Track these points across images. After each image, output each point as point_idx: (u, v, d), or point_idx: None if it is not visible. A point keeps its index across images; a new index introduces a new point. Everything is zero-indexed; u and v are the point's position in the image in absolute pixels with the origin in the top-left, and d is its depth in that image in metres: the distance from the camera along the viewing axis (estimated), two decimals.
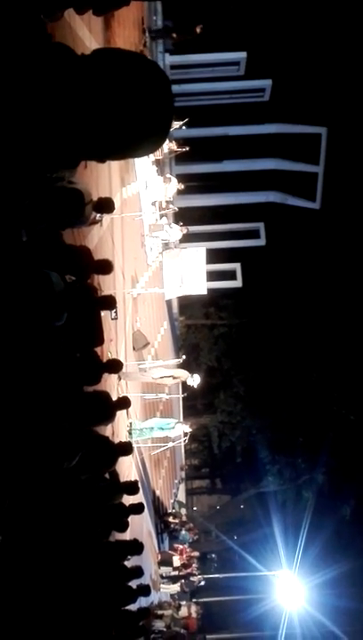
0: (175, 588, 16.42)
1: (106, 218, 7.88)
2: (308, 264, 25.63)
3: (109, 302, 4.68)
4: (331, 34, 22.64)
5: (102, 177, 8.49)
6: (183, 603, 17.52)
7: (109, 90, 1.93)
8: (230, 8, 22.38)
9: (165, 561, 15.55)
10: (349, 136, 23.19)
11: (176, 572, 15.73)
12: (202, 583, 17.65)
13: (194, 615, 18.18)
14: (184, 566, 15.88)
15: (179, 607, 16.65)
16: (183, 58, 21.71)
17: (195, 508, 34.57)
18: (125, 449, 5.23)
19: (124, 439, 9.74)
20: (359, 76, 23.20)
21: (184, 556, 16.15)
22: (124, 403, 5.27)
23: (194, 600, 19.05)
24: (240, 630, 27.01)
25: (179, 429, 11.04)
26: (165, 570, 15.63)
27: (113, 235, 9.70)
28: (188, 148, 15.54)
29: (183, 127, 17.03)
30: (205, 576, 20.07)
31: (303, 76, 23.23)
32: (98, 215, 5.65)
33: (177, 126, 15.06)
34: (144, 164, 12.97)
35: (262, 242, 24.83)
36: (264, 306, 26.70)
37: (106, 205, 5.07)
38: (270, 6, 22.45)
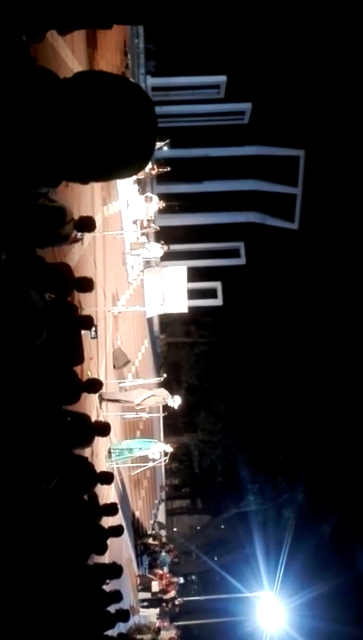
0: (155, 611, 16.09)
1: (87, 236, 7.88)
2: (287, 283, 25.96)
3: (86, 322, 4.66)
4: (310, 59, 23.29)
5: (84, 195, 8.52)
6: (164, 626, 17.16)
7: (92, 113, 1.93)
8: (211, 32, 22.91)
9: (144, 586, 15.24)
10: (326, 159, 23.73)
11: (155, 597, 15.41)
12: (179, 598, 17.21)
13: (174, 639, 17.80)
14: (163, 592, 15.57)
15: (158, 631, 16.28)
16: (165, 80, 22.10)
17: (175, 529, 34.11)
18: (106, 479, 5.16)
19: (104, 460, 9.62)
20: (336, 101, 23.85)
21: (164, 581, 15.85)
22: (103, 429, 5.21)
23: (174, 624, 18.66)
24: None
25: (159, 449, 10.94)
26: (143, 595, 15.31)
27: (94, 253, 9.70)
28: (169, 169, 15.72)
29: (165, 148, 17.25)
30: (186, 599, 19.71)
31: (282, 100, 23.80)
32: (79, 233, 5.66)
33: (158, 147, 15.25)
34: (126, 183, 13.06)
35: (242, 261, 25.11)
36: (245, 324, 26.87)
37: (87, 224, 5.07)
38: (250, 32, 23.04)
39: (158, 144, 14.95)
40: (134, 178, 13.68)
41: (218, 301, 24.96)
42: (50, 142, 1.96)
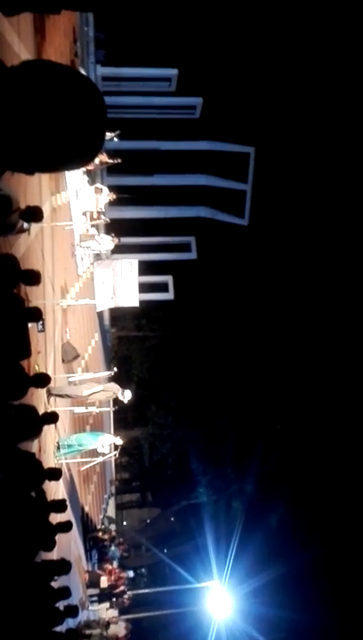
0: (104, 606, 16.03)
1: (34, 226, 7.70)
2: (237, 278, 26.36)
3: (33, 315, 4.55)
4: (261, 56, 23.59)
5: (31, 184, 8.30)
6: (113, 620, 17.12)
7: (39, 103, 1.87)
8: (163, 24, 22.79)
9: (93, 582, 15.14)
10: (276, 156, 24.18)
11: (105, 592, 15.34)
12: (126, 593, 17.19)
13: (123, 633, 17.81)
14: (112, 587, 15.52)
15: (107, 626, 16.24)
16: (115, 70, 21.81)
17: (125, 523, 34.10)
18: (54, 475, 5.10)
19: (52, 455, 9.47)
20: (287, 99, 24.31)
21: (113, 576, 15.80)
22: (51, 417, 5.12)
23: (122, 617, 18.66)
24: None
25: (108, 441, 10.88)
26: (92, 591, 15.22)
27: (43, 244, 9.48)
28: (119, 160, 15.54)
29: (115, 139, 17.06)
30: (136, 592, 19.76)
31: (234, 97, 24.03)
32: (25, 224, 5.51)
33: (109, 137, 15.05)
34: (75, 174, 12.84)
35: (193, 255, 25.24)
36: (195, 318, 27.08)
37: (34, 214, 4.94)
38: (203, 26, 23.09)
39: (109, 135, 14.78)
40: (84, 168, 13.45)
41: (169, 295, 24.99)
42: None
